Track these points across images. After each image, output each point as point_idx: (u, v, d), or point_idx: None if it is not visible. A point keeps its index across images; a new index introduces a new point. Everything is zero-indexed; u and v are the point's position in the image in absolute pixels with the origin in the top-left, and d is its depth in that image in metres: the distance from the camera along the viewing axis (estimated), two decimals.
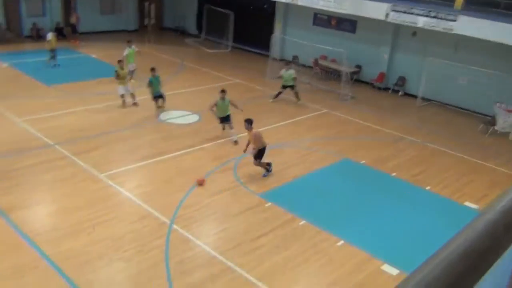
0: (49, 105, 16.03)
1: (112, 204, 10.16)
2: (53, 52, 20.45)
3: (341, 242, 9.50)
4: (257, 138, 11.77)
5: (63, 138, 13.34)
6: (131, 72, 18.19)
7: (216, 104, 13.98)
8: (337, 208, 10.91)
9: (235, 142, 13.79)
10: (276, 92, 18.66)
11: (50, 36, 20.67)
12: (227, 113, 14.16)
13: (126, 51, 18.89)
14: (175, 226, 9.52)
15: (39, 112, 15.33)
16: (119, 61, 16.18)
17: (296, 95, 18.48)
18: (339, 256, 9.08)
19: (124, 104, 16.16)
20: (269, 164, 12.13)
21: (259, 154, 11.89)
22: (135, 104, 16.43)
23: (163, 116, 15.74)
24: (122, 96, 16.17)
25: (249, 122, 12.01)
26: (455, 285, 1.09)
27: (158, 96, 15.92)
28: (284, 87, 18.50)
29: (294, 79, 18.36)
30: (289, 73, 18.29)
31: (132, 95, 16.45)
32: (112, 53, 22.07)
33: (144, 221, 9.61)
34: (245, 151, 12.21)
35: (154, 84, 15.66)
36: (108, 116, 15.47)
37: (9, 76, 18.91)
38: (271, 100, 18.66)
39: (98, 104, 16.37)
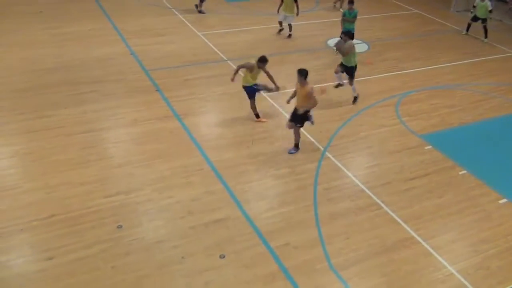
0: (226, 21, 17.00)
1: (271, 124, 10.66)
2: None
3: (504, 200, 8.71)
4: (311, 95, 9.18)
5: (236, 54, 14.15)
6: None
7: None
8: (507, 164, 9.88)
9: (354, 100, 11.87)
10: (467, 25, 17.21)
11: None
12: (350, 64, 11.60)
13: None
14: (328, 154, 9.69)
15: (217, 27, 16.40)
16: None
17: (485, 31, 16.59)
18: (498, 214, 8.38)
19: (279, 30, 15.98)
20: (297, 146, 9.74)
21: (302, 117, 9.45)
22: (289, 36, 15.88)
23: (332, 43, 15.51)
24: (280, 22, 15.81)
25: (302, 73, 9.20)
26: None
27: (345, 32, 14.40)
28: (475, 19, 16.72)
29: (489, 12, 16.40)
30: (484, 4, 16.34)
31: (290, 27, 15.78)
32: None
33: (299, 144, 9.94)
34: (288, 102, 9.81)
35: (346, 16, 14.35)
36: (278, 37, 15.81)
37: None
38: (463, 32, 17.29)
39: (271, 25, 16.77)
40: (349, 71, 11.62)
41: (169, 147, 9.53)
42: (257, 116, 10.67)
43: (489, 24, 16.70)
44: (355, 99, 11.81)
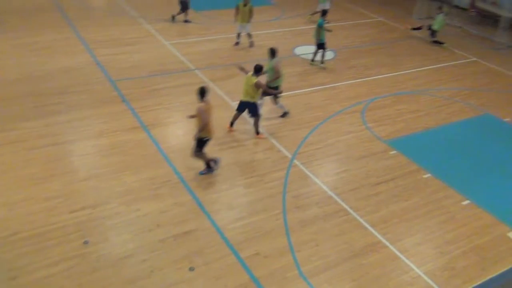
0: (194, 30, 16.99)
1: (239, 133, 10.67)
2: None
3: (467, 201, 8.97)
4: (201, 114, 8.50)
5: (203, 63, 14.13)
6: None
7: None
8: (469, 166, 10.18)
9: (283, 115, 11.49)
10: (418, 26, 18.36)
11: None
12: (277, 84, 11.06)
13: None
14: (296, 161, 9.76)
15: (184, 36, 16.35)
16: None
17: (435, 42, 17.41)
18: (462, 216, 8.62)
19: (236, 43, 15.80)
20: (214, 161, 9.13)
21: (199, 141, 8.81)
22: (251, 44, 15.73)
23: (298, 51, 15.68)
24: (238, 34, 15.65)
25: (200, 91, 8.51)
26: None
27: (321, 45, 14.41)
28: (430, 27, 17.58)
29: (441, 24, 17.26)
30: (438, 16, 17.32)
31: (249, 35, 15.66)
32: None
33: (267, 152, 9.99)
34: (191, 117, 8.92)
35: (322, 26, 14.03)
36: (244, 46, 15.85)
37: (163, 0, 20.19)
38: (411, 28, 18.48)
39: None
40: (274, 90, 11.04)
41: (136, 158, 9.41)
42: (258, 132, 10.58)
43: (449, 31, 17.24)
44: (284, 114, 11.41)
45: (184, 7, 17.30)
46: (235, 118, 10.59)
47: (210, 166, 9.10)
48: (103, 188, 8.48)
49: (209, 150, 9.70)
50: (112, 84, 12.39)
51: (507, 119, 12.25)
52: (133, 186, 8.58)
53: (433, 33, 17.32)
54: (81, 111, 11.01)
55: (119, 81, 12.56)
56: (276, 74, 10.84)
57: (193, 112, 8.80)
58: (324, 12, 14.42)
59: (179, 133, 10.68)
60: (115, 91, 12.03)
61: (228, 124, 10.69)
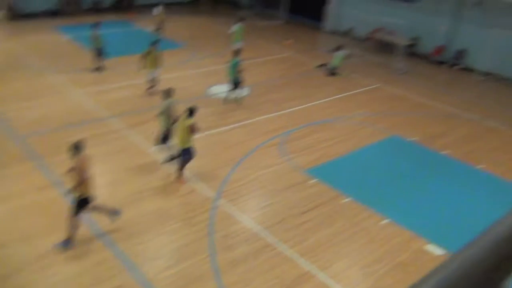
0: (108, 78, 16.62)
1: (159, 178, 10.47)
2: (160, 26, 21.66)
3: (386, 220, 9.39)
4: (78, 171, 7.78)
5: (118, 110, 13.82)
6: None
7: None
8: (384, 186, 10.72)
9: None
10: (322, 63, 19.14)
11: (158, 10, 21.76)
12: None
13: (233, 28, 18.39)
14: (221, 201, 9.72)
15: (98, 84, 15.95)
16: (154, 43, 14.89)
17: (332, 74, 18.51)
18: (383, 235, 9.00)
19: (150, 87, 15.10)
20: (66, 242, 7.96)
21: (80, 202, 7.92)
22: (150, 89, 15.09)
23: (213, 90, 15.88)
24: (151, 79, 14.98)
25: (75, 147, 7.97)
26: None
27: (236, 83, 14.56)
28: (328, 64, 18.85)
29: (341, 60, 18.47)
30: (337, 53, 18.55)
31: (155, 81, 15.03)
32: (166, 26, 22.37)
33: (190, 195, 9.87)
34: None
35: (237, 66, 14.40)
36: (158, 90, 15.75)
37: (69, 50, 19.65)
38: (317, 66, 19.20)
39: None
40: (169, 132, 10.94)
41: (50, 218, 8.78)
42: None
43: (353, 61, 18.31)
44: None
45: (99, 54, 16.96)
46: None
47: (69, 239, 8.00)
48: (14, 255, 7.82)
49: (132, 198, 9.45)
50: (19, 141, 11.71)
51: (413, 139, 13.12)
52: (49, 249, 8.00)
53: (332, 68, 18.30)
54: None
55: (27, 137, 11.90)
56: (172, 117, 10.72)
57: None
58: (237, 51, 14.79)
59: (98, 184, 10.23)
60: (22, 147, 11.37)
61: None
